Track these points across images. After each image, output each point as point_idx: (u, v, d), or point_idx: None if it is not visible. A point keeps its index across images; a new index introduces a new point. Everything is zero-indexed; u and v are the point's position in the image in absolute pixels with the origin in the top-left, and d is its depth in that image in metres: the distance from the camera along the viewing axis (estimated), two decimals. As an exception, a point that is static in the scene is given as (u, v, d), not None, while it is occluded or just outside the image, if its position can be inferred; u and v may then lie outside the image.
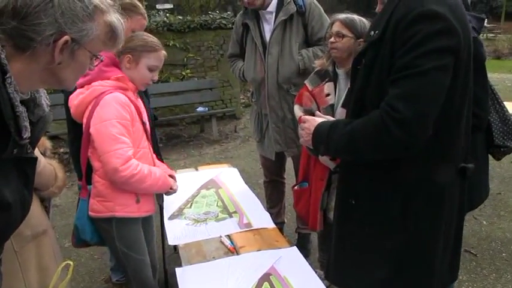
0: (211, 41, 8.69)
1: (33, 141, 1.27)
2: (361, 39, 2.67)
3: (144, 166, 2.34)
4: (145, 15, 3.08)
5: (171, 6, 24.78)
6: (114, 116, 2.24)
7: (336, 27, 2.78)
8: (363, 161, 1.81)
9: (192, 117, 8.37)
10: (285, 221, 4.16)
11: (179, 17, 8.77)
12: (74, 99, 2.37)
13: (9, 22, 1.09)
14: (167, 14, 9.03)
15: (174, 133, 8.24)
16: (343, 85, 2.82)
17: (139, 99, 2.55)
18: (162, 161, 2.89)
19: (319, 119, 1.99)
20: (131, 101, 2.37)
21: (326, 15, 3.48)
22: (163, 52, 2.45)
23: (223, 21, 8.68)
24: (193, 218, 3.00)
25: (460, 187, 1.90)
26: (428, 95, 1.58)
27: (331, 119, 2.20)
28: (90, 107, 2.31)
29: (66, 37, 1.14)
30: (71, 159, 3.48)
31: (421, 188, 1.78)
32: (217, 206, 3.16)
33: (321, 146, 1.88)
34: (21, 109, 1.13)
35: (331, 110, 2.82)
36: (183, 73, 8.46)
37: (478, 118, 2.30)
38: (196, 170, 4.07)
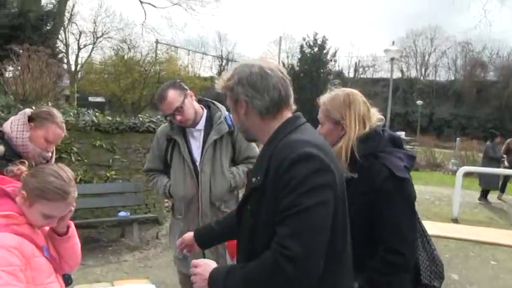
0: (138, 144, 8.66)
1: None
2: None
3: None
4: (62, 124, 3.00)
5: (103, 100, 24.96)
6: None
7: None
8: None
9: (113, 220, 8.09)
10: None
11: (108, 118, 8.73)
12: None
13: None
14: (96, 114, 8.97)
15: (93, 236, 7.88)
16: None
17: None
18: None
19: (213, 263, 1.94)
20: (26, 236, 2.06)
21: None
22: (68, 201, 2.12)
23: (152, 125, 8.72)
24: None
25: None
26: (314, 230, 1.66)
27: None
28: None
29: None
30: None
31: None
32: (130, 330, 2.98)
33: None
34: None
35: None
36: (108, 174, 8.27)
37: (404, 257, 2.33)
38: (112, 285, 3.86)
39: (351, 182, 2.40)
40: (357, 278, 2.34)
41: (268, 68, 1.88)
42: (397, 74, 48.28)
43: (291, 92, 1.94)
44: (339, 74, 22.07)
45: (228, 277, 1.78)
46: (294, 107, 1.97)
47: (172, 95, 3.40)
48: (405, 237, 2.33)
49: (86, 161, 7.88)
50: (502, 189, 13.14)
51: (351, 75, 53.14)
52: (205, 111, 3.60)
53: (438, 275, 2.58)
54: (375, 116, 2.54)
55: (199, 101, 3.64)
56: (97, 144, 8.13)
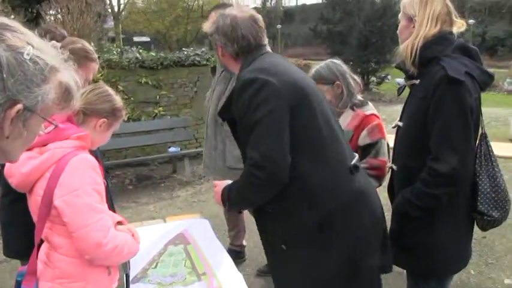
0: (184, 78, 8.45)
1: None
2: (337, 82, 2.90)
3: (119, 233, 2.01)
4: (97, 59, 2.93)
5: (148, 39, 24.88)
6: (87, 183, 1.90)
7: None
8: (257, 204, 2.23)
9: (164, 157, 8.05)
10: (245, 244, 4.55)
11: (152, 54, 8.54)
12: (21, 166, 1.92)
13: None
14: (140, 51, 8.78)
15: (145, 174, 7.87)
16: None
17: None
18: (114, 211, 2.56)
19: (227, 182, 2.33)
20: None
21: None
22: None
23: (197, 58, 8.48)
24: (157, 281, 2.68)
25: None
26: (267, 136, 1.94)
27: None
28: (48, 174, 1.92)
29: (18, 106, 0.92)
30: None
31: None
32: (185, 266, 2.85)
33: (226, 203, 2.30)
34: None
35: None
36: (155, 111, 8.16)
37: (451, 167, 2.10)
38: (165, 221, 3.76)
39: (413, 88, 2.38)
40: (406, 191, 2.31)
41: (241, 18, 2.18)
42: (449, -7, 45.68)
43: (263, 37, 2.24)
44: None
45: (230, 191, 2.25)
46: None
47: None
48: (453, 146, 2.10)
49: (132, 99, 7.76)
50: None
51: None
52: None
53: (499, 205, 2.29)
54: (457, 22, 2.26)
55: None
56: (143, 82, 8.00)
